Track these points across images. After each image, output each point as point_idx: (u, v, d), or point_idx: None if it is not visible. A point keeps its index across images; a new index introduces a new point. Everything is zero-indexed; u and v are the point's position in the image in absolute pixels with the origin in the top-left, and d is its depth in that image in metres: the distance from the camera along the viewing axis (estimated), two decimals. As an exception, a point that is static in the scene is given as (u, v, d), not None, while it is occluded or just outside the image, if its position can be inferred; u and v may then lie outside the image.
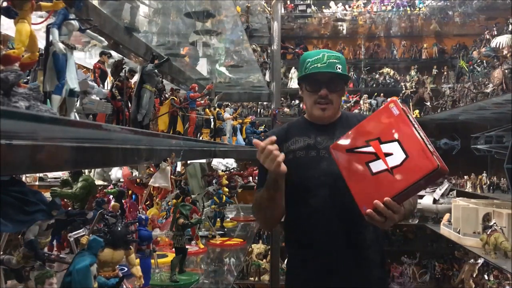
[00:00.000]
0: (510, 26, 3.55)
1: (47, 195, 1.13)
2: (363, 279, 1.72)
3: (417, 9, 5.01)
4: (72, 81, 0.97)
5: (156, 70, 1.46)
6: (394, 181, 1.45)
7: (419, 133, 1.48)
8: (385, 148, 1.50)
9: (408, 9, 5.00)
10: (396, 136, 1.50)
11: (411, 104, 4.95)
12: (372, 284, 1.75)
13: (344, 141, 1.62)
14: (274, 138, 1.58)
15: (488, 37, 4.06)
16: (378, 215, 1.45)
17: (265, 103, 5.28)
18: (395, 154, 1.47)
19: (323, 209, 1.71)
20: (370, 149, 1.53)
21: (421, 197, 4.30)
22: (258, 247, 4.72)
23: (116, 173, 3.66)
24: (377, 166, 1.50)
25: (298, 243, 1.81)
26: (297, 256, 1.82)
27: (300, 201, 1.74)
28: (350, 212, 1.68)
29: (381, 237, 1.84)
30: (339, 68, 1.74)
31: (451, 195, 4.38)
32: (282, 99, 5.23)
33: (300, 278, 1.78)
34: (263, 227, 1.98)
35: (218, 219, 2.88)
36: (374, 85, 5.32)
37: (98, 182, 3.59)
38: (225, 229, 2.90)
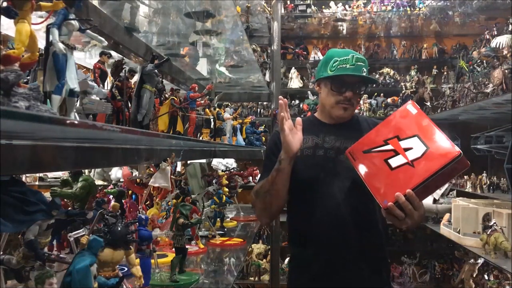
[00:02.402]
0: (510, 26, 3.54)
1: (47, 195, 1.13)
2: (367, 278, 1.72)
3: (417, 9, 5.00)
4: (72, 81, 0.97)
5: (156, 70, 1.46)
6: (415, 172, 1.44)
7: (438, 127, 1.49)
8: (404, 144, 1.51)
9: (408, 9, 5.00)
10: (415, 131, 1.51)
11: (411, 104, 4.94)
12: (376, 284, 1.75)
13: (360, 144, 1.63)
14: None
15: (488, 37, 4.05)
16: (399, 209, 1.44)
17: (265, 103, 5.28)
18: (415, 148, 1.48)
19: (328, 208, 1.70)
20: (388, 147, 1.54)
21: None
22: (258, 247, 4.72)
23: (116, 173, 3.67)
24: (396, 161, 1.49)
25: (302, 242, 1.80)
26: (300, 255, 1.82)
27: (305, 200, 1.73)
28: (355, 212, 1.69)
29: (385, 237, 1.84)
30: (365, 72, 1.76)
31: (451, 195, 4.37)
32: (282, 99, 5.21)
33: (304, 278, 1.77)
34: (261, 216, 1.94)
35: (218, 219, 2.88)
36: (374, 85, 5.32)
37: (98, 182, 3.59)
38: (225, 229, 2.90)
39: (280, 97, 1.65)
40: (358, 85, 1.78)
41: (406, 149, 1.49)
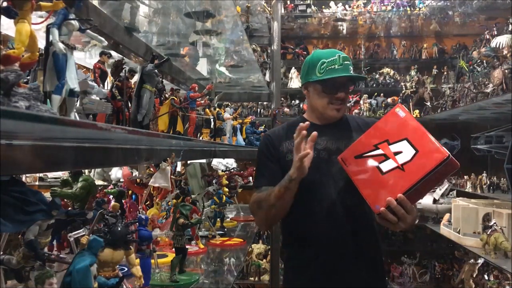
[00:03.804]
0: (510, 26, 3.54)
1: (47, 195, 1.13)
2: (364, 278, 1.72)
3: (417, 9, 5.01)
4: (72, 81, 0.97)
5: (156, 70, 1.46)
6: (405, 176, 1.46)
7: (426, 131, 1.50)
8: (394, 148, 1.52)
9: (408, 9, 5.00)
10: (404, 135, 1.52)
11: (411, 104, 4.95)
12: (373, 284, 1.75)
13: (351, 149, 1.64)
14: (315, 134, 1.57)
15: (488, 37, 4.05)
16: (391, 213, 1.45)
17: (265, 103, 5.28)
18: (405, 152, 1.49)
19: (324, 209, 1.70)
20: (379, 151, 1.55)
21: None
22: (258, 247, 4.71)
23: (116, 173, 3.66)
24: (387, 165, 1.51)
25: (298, 243, 1.80)
26: (297, 256, 1.81)
27: (301, 202, 1.73)
28: (351, 212, 1.69)
29: (379, 238, 1.84)
30: (351, 69, 1.77)
31: (451, 195, 4.37)
32: (282, 99, 5.22)
33: (301, 278, 1.77)
34: (262, 225, 1.92)
35: (218, 219, 2.88)
36: (374, 85, 5.32)
37: (98, 182, 3.59)
38: (225, 229, 2.90)
39: (301, 125, 1.57)
40: (348, 84, 1.79)
41: (396, 153, 1.51)
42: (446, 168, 1.43)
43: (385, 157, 1.52)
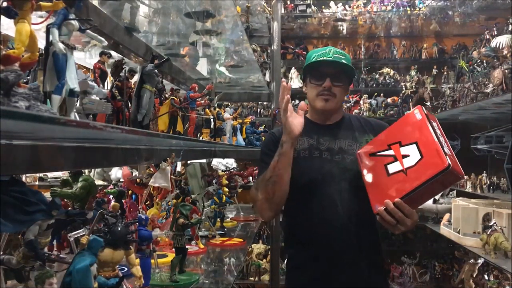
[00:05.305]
0: (510, 26, 3.54)
1: (47, 195, 1.13)
2: (366, 277, 1.72)
3: (417, 9, 5.01)
4: (72, 81, 0.97)
5: (156, 70, 1.46)
6: (406, 181, 1.46)
7: (438, 137, 1.49)
8: (404, 150, 1.53)
9: (408, 9, 5.00)
10: (415, 138, 1.52)
11: (411, 104, 4.95)
12: (374, 284, 1.75)
13: (368, 146, 1.67)
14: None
15: (488, 37, 4.05)
16: (390, 215, 1.46)
17: (265, 103, 5.28)
18: (412, 156, 1.49)
19: (325, 210, 1.70)
20: (390, 152, 1.57)
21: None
22: (258, 247, 4.71)
23: (116, 173, 3.66)
24: (394, 167, 1.52)
25: (300, 243, 1.80)
26: (299, 256, 1.81)
27: (303, 201, 1.73)
28: (351, 213, 1.69)
29: (380, 238, 1.84)
30: (344, 62, 1.77)
31: (451, 195, 4.38)
32: (282, 99, 5.21)
33: (303, 278, 1.77)
34: (262, 210, 1.79)
35: (218, 219, 2.88)
36: (374, 85, 5.32)
37: (98, 182, 3.59)
38: (225, 229, 2.90)
39: (283, 80, 1.63)
40: (336, 75, 1.76)
41: (404, 156, 1.51)
42: (447, 177, 1.42)
43: (394, 159, 1.53)
